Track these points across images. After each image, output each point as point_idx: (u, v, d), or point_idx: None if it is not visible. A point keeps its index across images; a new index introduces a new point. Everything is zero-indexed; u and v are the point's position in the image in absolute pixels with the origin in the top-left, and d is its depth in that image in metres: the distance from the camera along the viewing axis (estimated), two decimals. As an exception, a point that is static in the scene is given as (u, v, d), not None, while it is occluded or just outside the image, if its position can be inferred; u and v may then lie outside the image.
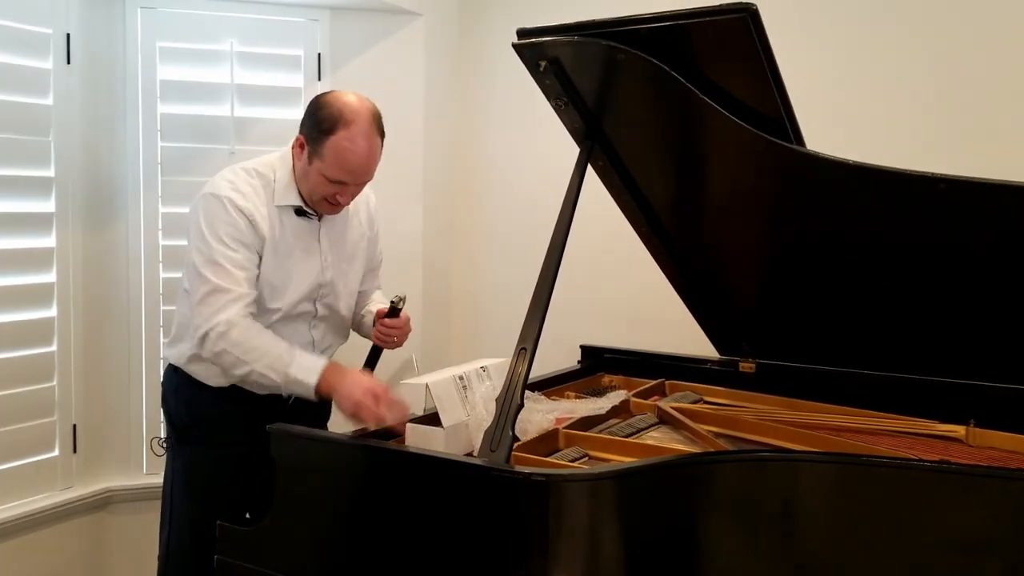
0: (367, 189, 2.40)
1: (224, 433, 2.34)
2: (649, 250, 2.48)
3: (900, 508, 1.78)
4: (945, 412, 2.37)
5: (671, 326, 3.10)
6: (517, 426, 1.86)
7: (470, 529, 1.76)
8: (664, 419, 2.49)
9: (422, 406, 2.10)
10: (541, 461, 2.04)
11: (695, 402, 2.67)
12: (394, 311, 2.42)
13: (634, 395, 2.63)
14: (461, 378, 2.18)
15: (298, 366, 2.13)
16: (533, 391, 2.50)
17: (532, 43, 1.92)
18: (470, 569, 1.77)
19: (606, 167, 2.20)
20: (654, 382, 2.78)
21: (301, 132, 2.24)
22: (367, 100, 2.23)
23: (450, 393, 2.12)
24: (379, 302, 2.62)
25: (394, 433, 2.11)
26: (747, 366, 2.79)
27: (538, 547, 1.72)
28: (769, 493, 1.72)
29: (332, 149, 2.17)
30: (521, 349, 1.86)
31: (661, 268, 2.53)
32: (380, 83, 3.44)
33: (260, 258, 2.22)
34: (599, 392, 2.79)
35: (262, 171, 2.27)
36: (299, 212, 2.30)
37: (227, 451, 2.33)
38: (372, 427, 2.08)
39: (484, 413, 2.07)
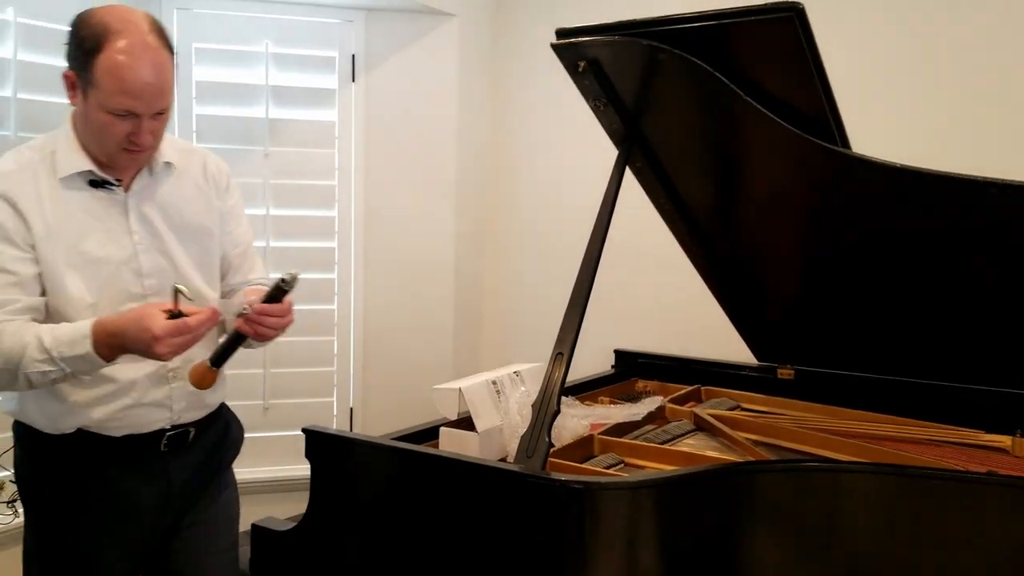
0: (200, 148, 1.98)
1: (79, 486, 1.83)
2: (686, 253, 2.44)
3: (948, 521, 1.73)
4: (991, 422, 2.31)
5: (706, 331, 3.03)
6: (552, 432, 1.83)
7: (505, 536, 1.73)
8: (701, 426, 2.45)
9: (455, 410, 2.07)
10: (576, 467, 2.01)
11: (732, 409, 2.63)
12: (279, 293, 1.69)
13: (669, 401, 2.58)
14: (494, 383, 2.16)
15: (61, 339, 1.63)
16: (567, 396, 2.47)
17: (571, 43, 1.89)
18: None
19: (644, 169, 2.16)
20: (690, 388, 2.73)
21: (70, 67, 1.72)
22: (136, 9, 1.74)
23: (484, 398, 2.10)
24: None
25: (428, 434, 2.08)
26: (786, 372, 2.73)
27: (574, 556, 1.68)
28: (814, 504, 1.68)
29: (105, 69, 1.64)
30: (558, 354, 1.82)
31: (698, 271, 2.49)
32: (414, 84, 3.42)
33: (36, 252, 1.71)
34: (633, 397, 2.76)
35: (41, 143, 1.78)
36: (94, 183, 1.76)
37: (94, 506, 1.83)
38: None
39: (519, 418, 2.04)
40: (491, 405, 2.10)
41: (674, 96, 1.97)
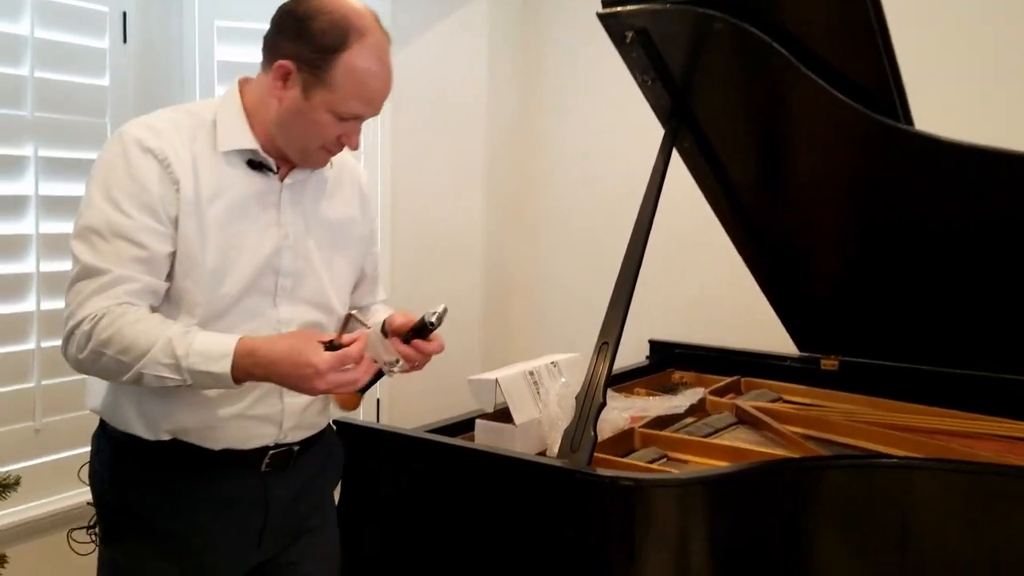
0: (352, 160, 1.78)
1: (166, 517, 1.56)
2: (730, 237, 2.34)
3: (1017, 518, 1.64)
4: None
5: (745, 321, 2.96)
6: (596, 425, 1.74)
7: (547, 534, 1.65)
8: (743, 419, 2.35)
9: (492, 402, 1.98)
10: (619, 462, 1.92)
11: (773, 401, 2.53)
12: (425, 329, 1.53)
13: (709, 393, 2.49)
14: (531, 374, 2.07)
15: (196, 349, 1.40)
16: (603, 387, 2.37)
17: (619, 12, 1.79)
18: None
19: (691, 148, 2.06)
20: (729, 379, 2.64)
21: (282, 55, 1.48)
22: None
23: (521, 390, 2.00)
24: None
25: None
26: (829, 363, 2.64)
27: (622, 556, 1.60)
28: (887, 502, 1.58)
29: (346, 72, 1.47)
30: (603, 344, 1.73)
31: (742, 256, 2.39)
32: (442, 62, 3.32)
33: (176, 227, 1.47)
34: (670, 389, 2.68)
35: (197, 108, 1.57)
36: (253, 164, 1.55)
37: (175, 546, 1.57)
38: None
39: (559, 411, 1.95)
40: (529, 397, 2.00)
41: (726, 68, 1.86)
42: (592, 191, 3.47)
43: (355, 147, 1.57)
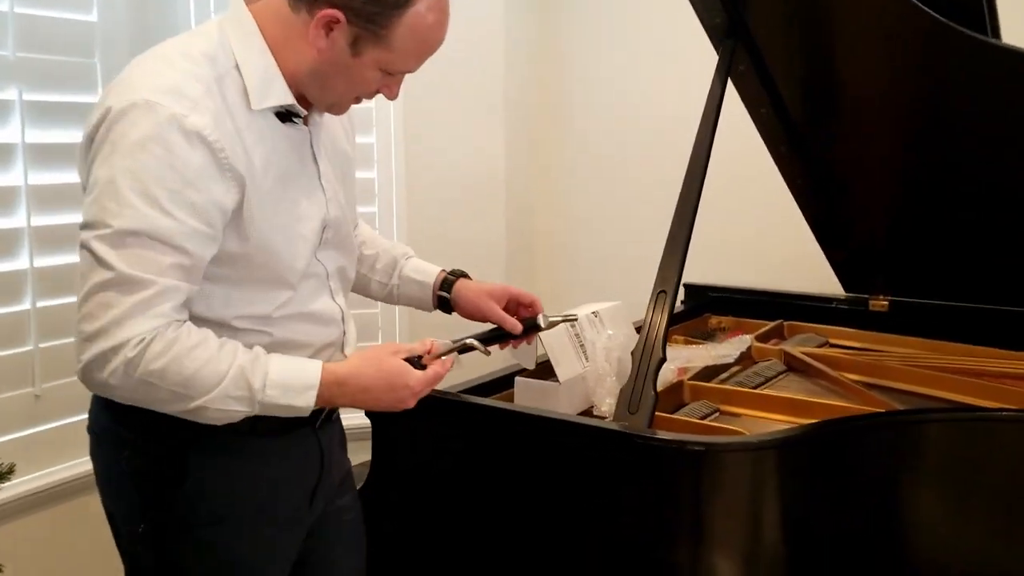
0: None
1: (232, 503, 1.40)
2: (782, 171, 2.18)
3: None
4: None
5: (783, 262, 2.84)
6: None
7: (602, 506, 1.50)
8: (793, 366, 2.21)
9: (534, 359, 1.82)
10: (675, 421, 1.77)
11: (821, 346, 2.40)
12: (535, 329, 1.59)
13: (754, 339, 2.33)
14: (573, 326, 1.89)
15: (275, 381, 1.26)
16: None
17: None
18: (605, 552, 1.50)
19: (747, 71, 1.88)
20: (771, 324, 2.48)
21: (327, 2, 1.25)
22: None
23: (563, 343, 1.84)
24: (415, 270, 1.73)
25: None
26: (879, 303, 2.49)
27: (690, 527, 1.45)
28: (992, 458, 1.43)
29: (409, 31, 1.28)
30: (660, 293, 1.58)
31: (792, 191, 2.24)
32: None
33: (237, 219, 1.28)
34: (708, 335, 2.53)
35: (208, 52, 1.28)
36: (282, 115, 1.34)
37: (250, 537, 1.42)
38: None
39: (607, 365, 1.79)
40: (572, 351, 1.84)
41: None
42: (622, 127, 3.27)
43: (393, 98, 1.41)
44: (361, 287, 1.72)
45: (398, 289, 1.71)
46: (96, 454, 1.43)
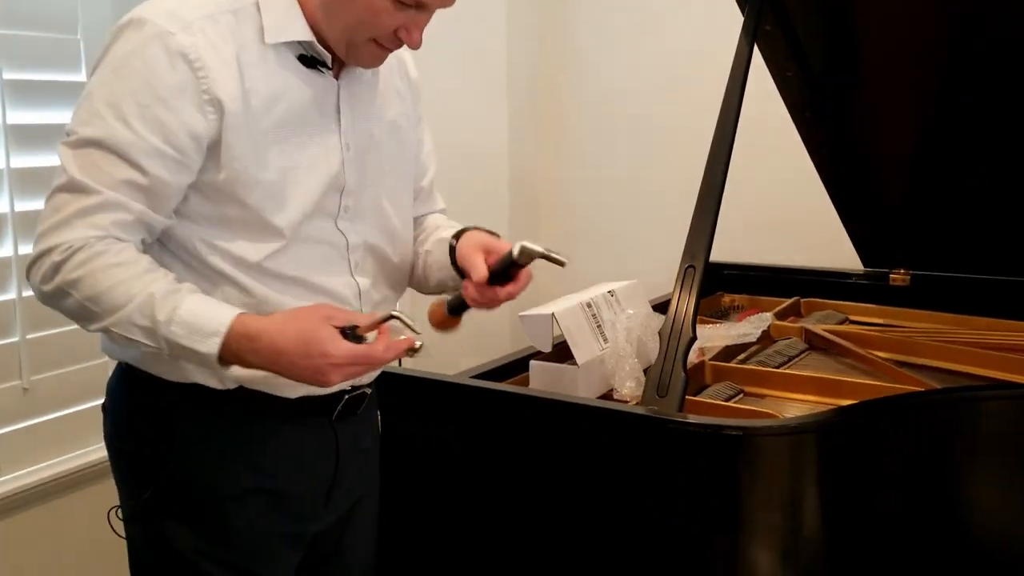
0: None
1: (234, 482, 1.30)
2: (804, 139, 2.10)
3: None
4: None
5: (797, 239, 2.76)
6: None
7: (629, 495, 1.41)
8: (814, 344, 2.12)
9: (550, 341, 1.72)
10: (696, 403, 1.68)
11: (841, 322, 2.32)
12: (514, 266, 1.28)
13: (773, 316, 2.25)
14: (589, 305, 1.81)
15: (183, 317, 1.14)
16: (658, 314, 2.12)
17: None
18: (633, 544, 1.41)
19: (774, 31, 1.79)
20: (787, 301, 2.40)
21: None
22: None
23: (580, 324, 1.75)
24: (449, 231, 1.49)
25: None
26: (899, 277, 2.41)
27: (726, 517, 1.36)
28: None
29: None
30: (688, 268, 1.48)
31: (814, 161, 2.16)
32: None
33: (217, 152, 1.20)
34: (722, 314, 2.45)
35: None
36: (305, 59, 1.27)
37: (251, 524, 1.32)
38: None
39: (628, 347, 1.70)
40: (589, 332, 1.75)
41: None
42: (632, 98, 3.15)
43: (415, 45, 1.28)
44: (415, 281, 1.53)
45: (429, 256, 1.47)
46: (104, 430, 1.37)
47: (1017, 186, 2.07)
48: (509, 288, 1.29)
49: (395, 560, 1.65)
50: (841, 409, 1.44)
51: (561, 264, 1.21)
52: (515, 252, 1.23)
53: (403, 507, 1.64)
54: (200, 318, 1.14)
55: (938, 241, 2.33)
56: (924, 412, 1.41)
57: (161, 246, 1.23)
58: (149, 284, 1.14)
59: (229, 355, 1.15)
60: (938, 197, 2.22)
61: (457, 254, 1.36)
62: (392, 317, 1.17)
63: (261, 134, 1.20)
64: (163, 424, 1.27)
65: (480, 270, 1.28)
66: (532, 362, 1.74)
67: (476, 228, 1.41)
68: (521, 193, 3.28)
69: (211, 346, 1.13)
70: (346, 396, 1.35)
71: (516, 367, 1.79)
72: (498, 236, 1.40)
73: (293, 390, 1.28)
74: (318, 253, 1.28)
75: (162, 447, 1.27)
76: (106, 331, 1.17)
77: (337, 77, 1.29)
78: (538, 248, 1.23)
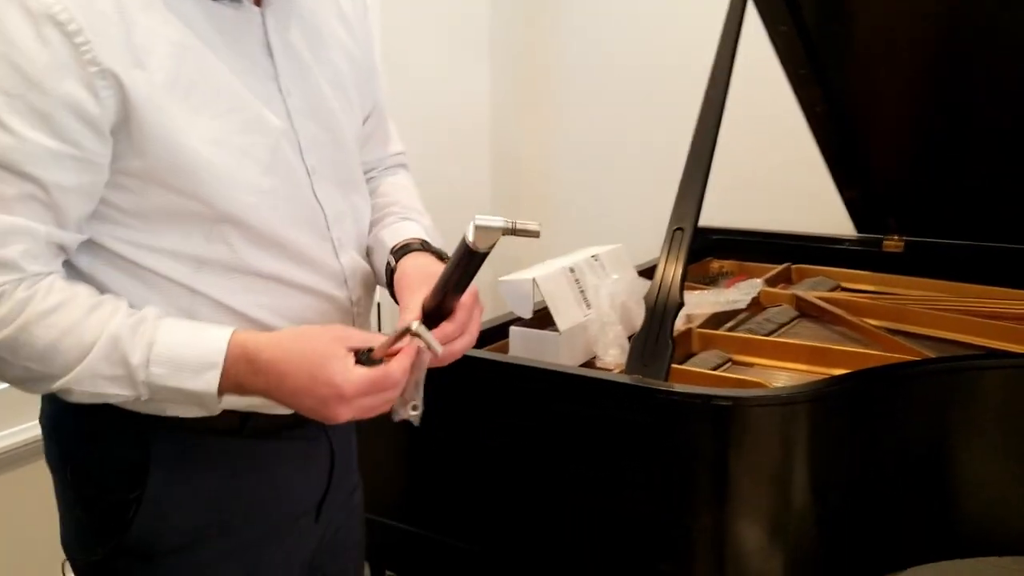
0: None
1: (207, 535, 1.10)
2: (800, 98, 2.02)
3: None
4: None
5: (788, 202, 2.70)
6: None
7: (613, 467, 1.35)
8: (805, 311, 2.05)
9: (530, 306, 1.65)
10: (682, 371, 1.61)
11: (832, 289, 2.24)
12: (471, 262, 0.95)
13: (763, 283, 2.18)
14: (572, 270, 1.74)
15: (163, 354, 0.94)
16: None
17: None
18: (616, 518, 1.35)
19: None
20: (778, 267, 2.33)
21: None
22: None
23: (563, 289, 1.68)
24: (393, 235, 1.20)
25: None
26: (893, 244, 2.34)
27: (713, 490, 1.30)
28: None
29: None
30: (676, 230, 1.42)
31: (810, 121, 2.09)
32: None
33: (121, 133, 0.94)
34: (711, 280, 2.39)
35: None
36: None
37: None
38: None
39: (612, 313, 1.63)
40: (572, 298, 1.68)
41: None
42: (617, 62, 3.07)
43: None
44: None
45: (371, 253, 1.21)
46: (47, 452, 1.14)
47: (1017, 150, 2.00)
48: (452, 328, 0.99)
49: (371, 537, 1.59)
50: (835, 378, 1.37)
51: (535, 235, 0.92)
52: (469, 236, 0.90)
53: (377, 480, 1.57)
54: (187, 349, 0.93)
55: (933, 206, 2.26)
56: (920, 382, 1.35)
57: (91, 255, 0.99)
58: (104, 323, 0.92)
59: (228, 386, 0.95)
60: (935, 161, 2.16)
61: (395, 286, 1.10)
62: (409, 333, 0.92)
63: (175, 99, 0.95)
64: (131, 466, 1.04)
65: (411, 313, 1.00)
66: (512, 328, 1.67)
67: (423, 248, 1.14)
68: (503, 159, 3.22)
69: (209, 382, 0.93)
70: None
71: (496, 333, 1.72)
72: (447, 257, 1.12)
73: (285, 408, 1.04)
74: (291, 235, 1.05)
75: (130, 494, 1.04)
76: (66, 392, 0.94)
77: (258, 3, 1.04)
78: (498, 222, 0.91)
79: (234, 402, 1.01)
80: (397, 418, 0.99)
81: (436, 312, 0.98)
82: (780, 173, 2.70)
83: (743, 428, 1.26)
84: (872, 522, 1.38)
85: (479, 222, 0.90)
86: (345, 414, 0.93)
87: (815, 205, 2.44)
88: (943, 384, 1.35)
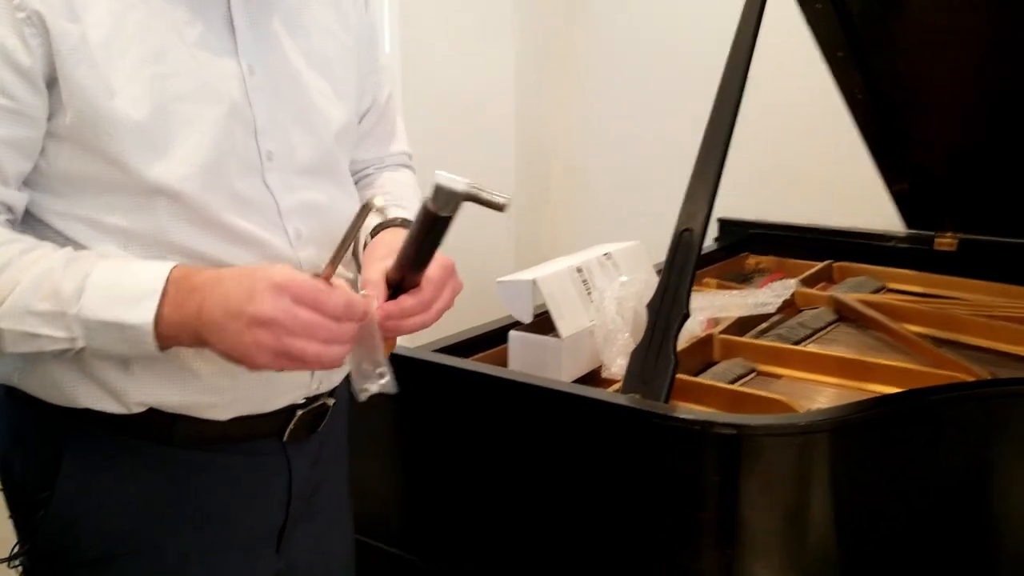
0: None
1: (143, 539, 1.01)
2: (839, 83, 1.88)
3: None
4: None
5: (832, 195, 2.56)
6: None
7: (608, 496, 1.21)
8: (845, 315, 1.89)
9: (530, 310, 1.51)
10: (695, 384, 1.46)
11: (877, 291, 2.08)
12: (434, 227, 0.86)
13: (799, 283, 2.03)
14: (579, 270, 1.60)
15: (98, 282, 0.86)
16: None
17: None
18: (611, 554, 1.21)
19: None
20: (819, 265, 2.18)
21: None
22: None
23: (566, 291, 1.54)
24: (395, 198, 1.17)
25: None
26: (946, 242, 2.16)
27: (718, 527, 1.15)
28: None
29: None
30: (683, 231, 1.27)
31: (851, 108, 1.93)
32: None
33: (56, 85, 0.89)
34: (746, 278, 2.25)
35: None
36: None
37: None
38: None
39: (618, 319, 1.49)
40: (577, 300, 1.54)
41: None
42: (647, 37, 2.95)
43: None
44: None
45: None
46: None
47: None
48: (412, 303, 0.92)
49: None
50: (862, 404, 1.21)
51: (500, 207, 0.83)
52: (428, 196, 0.81)
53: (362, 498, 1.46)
54: (126, 278, 0.86)
55: (992, 202, 2.08)
56: (965, 409, 1.18)
57: (21, 224, 0.93)
58: (39, 260, 0.86)
59: (166, 326, 0.85)
60: (992, 152, 1.98)
61: (362, 262, 1.03)
62: (365, 207, 0.81)
63: (109, 57, 0.89)
64: (43, 464, 0.98)
65: (373, 286, 0.93)
66: (511, 332, 1.53)
67: (403, 226, 1.07)
68: (528, 144, 3.11)
69: (143, 313, 0.84)
70: (299, 411, 1.05)
71: (495, 338, 1.58)
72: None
73: (227, 410, 0.99)
74: (229, 219, 0.95)
75: (40, 494, 0.98)
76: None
77: None
78: (459, 184, 0.81)
79: (163, 400, 0.95)
80: (365, 396, 0.91)
81: (400, 286, 0.91)
82: (823, 163, 2.56)
83: (752, 461, 1.10)
84: (904, 564, 1.22)
85: (440, 180, 0.81)
86: (267, 336, 0.81)
87: (863, 198, 2.29)
88: (991, 411, 1.18)
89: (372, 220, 1.09)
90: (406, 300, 0.92)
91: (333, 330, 0.83)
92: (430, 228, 0.84)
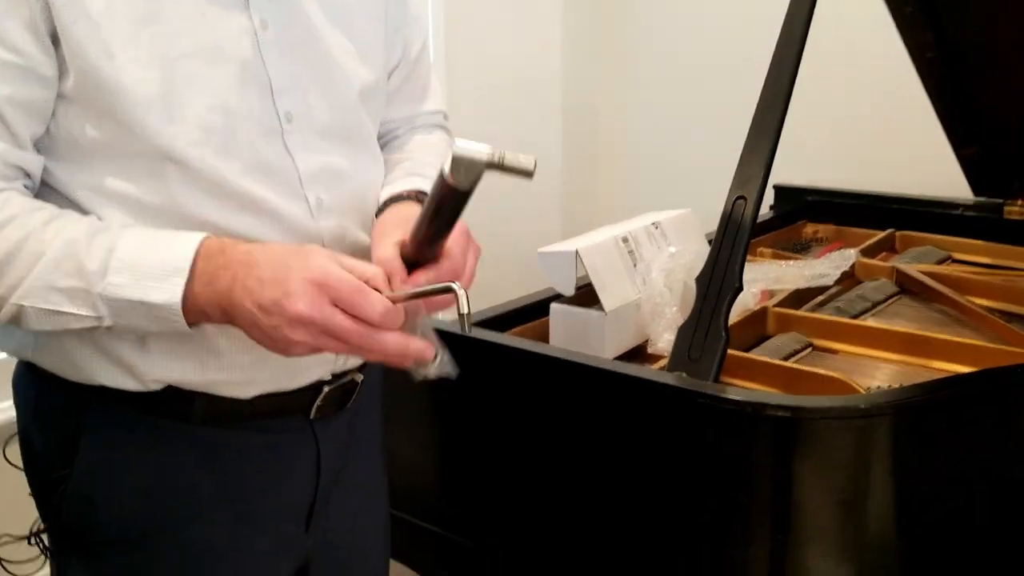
0: None
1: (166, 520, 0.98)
2: (907, 43, 1.79)
3: None
4: None
5: (894, 159, 2.44)
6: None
7: (653, 482, 1.15)
8: (907, 287, 1.81)
9: (573, 283, 1.45)
10: (747, 360, 1.40)
11: (942, 261, 2.00)
12: (451, 202, 0.78)
13: (860, 253, 1.95)
14: (625, 240, 1.54)
15: (124, 259, 0.82)
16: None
17: None
18: (654, 542, 1.15)
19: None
20: (881, 234, 2.10)
21: None
22: None
23: (612, 262, 1.47)
24: (417, 165, 1.10)
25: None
26: (1016, 209, 2.06)
27: (770, 515, 1.08)
28: None
29: None
30: (737, 199, 1.20)
31: (919, 68, 1.84)
32: None
33: (52, 47, 0.84)
34: (803, 247, 2.17)
35: None
36: None
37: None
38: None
39: (666, 291, 1.43)
40: (623, 272, 1.48)
41: None
42: (698, 9, 2.86)
43: None
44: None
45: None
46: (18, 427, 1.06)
47: None
48: (428, 277, 0.85)
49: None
50: (926, 386, 1.13)
51: (528, 174, 0.76)
52: (446, 168, 0.74)
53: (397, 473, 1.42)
54: (152, 252, 0.82)
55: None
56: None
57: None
58: (61, 231, 0.83)
59: (196, 303, 0.82)
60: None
61: (373, 230, 0.97)
62: (449, 291, 0.80)
63: (112, 14, 0.84)
64: (63, 441, 0.96)
65: (387, 262, 0.86)
66: (553, 305, 1.47)
67: (415, 199, 1.00)
68: (575, 119, 3.04)
69: (171, 291, 0.80)
70: (326, 388, 1.01)
71: (536, 310, 1.53)
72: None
73: (250, 387, 0.95)
74: (245, 185, 0.90)
75: (60, 471, 0.96)
76: (15, 316, 0.84)
77: None
78: (481, 152, 0.74)
79: (181, 378, 0.92)
80: (422, 376, 0.86)
81: (415, 261, 0.86)
82: (886, 126, 2.45)
83: (808, 444, 1.04)
84: (966, 553, 1.15)
85: (458, 150, 0.74)
86: (304, 315, 0.78)
87: (926, 164, 2.21)
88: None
89: (383, 198, 1.03)
90: (420, 276, 0.85)
91: (369, 338, 0.80)
92: (449, 201, 0.77)
